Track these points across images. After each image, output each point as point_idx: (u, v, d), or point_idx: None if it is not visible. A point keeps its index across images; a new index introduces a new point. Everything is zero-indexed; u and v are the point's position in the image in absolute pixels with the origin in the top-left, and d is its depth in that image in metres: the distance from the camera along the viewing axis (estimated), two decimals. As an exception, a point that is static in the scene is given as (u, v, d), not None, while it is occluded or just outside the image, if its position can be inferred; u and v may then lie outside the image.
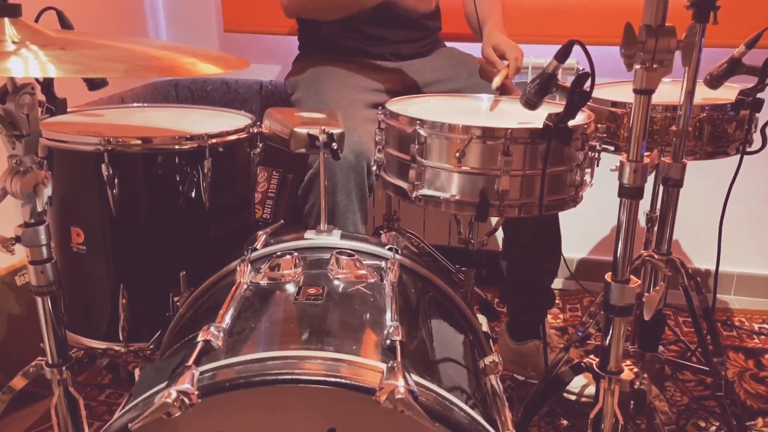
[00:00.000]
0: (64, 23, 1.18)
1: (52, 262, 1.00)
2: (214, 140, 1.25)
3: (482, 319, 1.17)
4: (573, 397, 1.69)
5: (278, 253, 1.06)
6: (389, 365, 0.77)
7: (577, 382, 1.64)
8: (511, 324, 1.85)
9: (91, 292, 1.31)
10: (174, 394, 0.74)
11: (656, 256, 1.45)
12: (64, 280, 1.06)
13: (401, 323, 0.88)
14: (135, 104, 1.77)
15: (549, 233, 1.73)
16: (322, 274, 1.03)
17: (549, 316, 2.15)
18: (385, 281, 1.02)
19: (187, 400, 0.74)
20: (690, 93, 1.31)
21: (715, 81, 1.39)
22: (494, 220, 1.74)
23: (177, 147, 1.23)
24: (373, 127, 1.31)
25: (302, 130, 1.13)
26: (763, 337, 2.12)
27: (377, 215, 1.99)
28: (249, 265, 1.04)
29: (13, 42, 0.84)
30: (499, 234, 1.84)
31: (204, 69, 0.93)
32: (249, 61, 1.03)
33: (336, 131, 1.12)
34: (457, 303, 1.14)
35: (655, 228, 1.47)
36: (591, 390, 1.62)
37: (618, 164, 0.94)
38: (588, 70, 1.02)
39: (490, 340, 1.13)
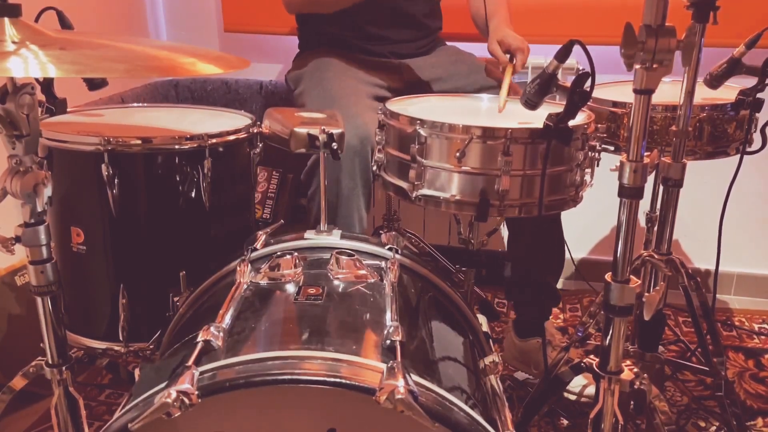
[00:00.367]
0: (64, 23, 1.18)
1: (52, 262, 1.00)
2: (214, 140, 1.25)
3: (482, 319, 1.17)
4: (573, 397, 1.69)
5: (278, 253, 1.06)
6: (389, 365, 0.77)
7: (577, 382, 1.64)
8: (516, 321, 1.85)
9: (91, 292, 1.31)
10: (174, 394, 0.74)
11: (656, 256, 1.45)
12: (64, 280, 1.06)
13: (401, 323, 0.88)
14: (135, 104, 1.77)
15: (551, 232, 1.73)
16: (322, 274, 1.03)
17: (551, 315, 2.15)
18: (385, 281, 1.02)
19: (187, 400, 0.74)
20: (690, 93, 1.31)
21: (715, 81, 1.39)
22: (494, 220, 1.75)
23: (177, 147, 1.23)
24: (376, 115, 1.30)
25: (302, 130, 1.13)
26: (763, 337, 2.12)
27: (377, 215, 1.99)
28: (249, 265, 1.04)
29: (13, 42, 0.84)
30: (500, 234, 1.84)
31: (204, 69, 0.93)
32: (249, 61, 1.03)
33: (336, 131, 1.12)
34: (457, 303, 1.14)
35: (655, 228, 1.47)
36: (591, 390, 1.62)
37: (618, 164, 0.94)
38: (588, 69, 1.02)
39: (490, 340, 1.13)
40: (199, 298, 1.13)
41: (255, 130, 1.34)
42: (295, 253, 1.05)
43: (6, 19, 0.86)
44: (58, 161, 1.23)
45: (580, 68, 1.97)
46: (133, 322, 1.27)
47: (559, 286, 2.38)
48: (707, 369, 1.47)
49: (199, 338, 0.84)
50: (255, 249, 1.10)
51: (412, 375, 0.78)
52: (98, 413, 1.68)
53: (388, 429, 0.80)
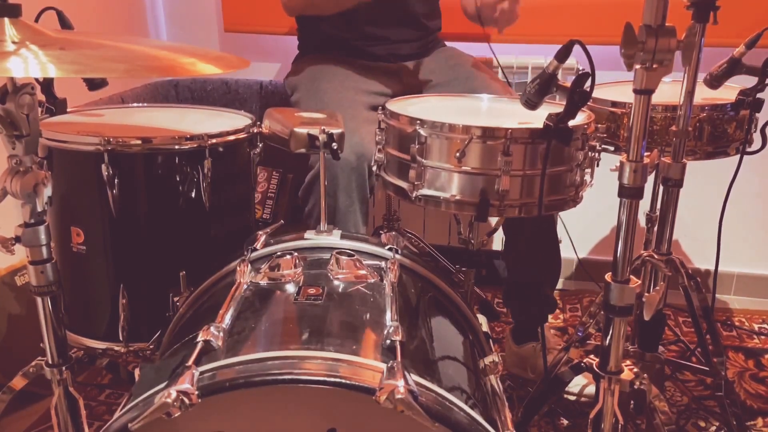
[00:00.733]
0: (64, 23, 1.18)
1: (52, 262, 1.00)
2: (214, 140, 1.25)
3: (482, 319, 1.17)
4: (573, 397, 1.69)
5: (278, 253, 1.06)
6: (389, 365, 0.77)
7: (577, 382, 1.64)
8: (514, 328, 1.86)
9: (91, 292, 1.31)
10: (174, 394, 0.74)
11: (656, 256, 1.45)
12: (64, 280, 1.06)
13: (401, 323, 0.88)
14: (135, 104, 1.77)
15: (545, 238, 1.72)
16: (322, 274, 1.03)
17: (549, 317, 2.15)
18: (385, 281, 1.02)
19: (187, 400, 0.74)
20: (690, 93, 1.31)
21: (715, 81, 1.39)
22: (494, 219, 1.75)
23: (177, 147, 1.23)
24: (374, 128, 1.31)
25: (302, 130, 1.13)
26: (763, 337, 2.12)
27: (377, 215, 1.99)
28: (249, 265, 1.04)
29: (13, 42, 0.84)
30: (500, 234, 1.84)
31: (204, 69, 0.93)
32: (249, 61, 1.03)
33: (336, 131, 1.12)
34: (457, 303, 1.14)
35: (655, 228, 1.47)
36: (591, 390, 1.62)
37: (618, 164, 0.94)
38: (588, 69, 1.02)
39: (490, 340, 1.13)
40: (199, 298, 1.13)
41: (255, 130, 1.34)
42: (295, 253, 1.05)
43: (6, 19, 0.86)
44: (58, 161, 1.23)
45: (580, 68, 1.97)
46: (133, 322, 1.27)
47: (559, 286, 2.40)
48: (707, 369, 1.47)
49: (199, 338, 0.84)
50: (255, 249, 1.10)
51: (412, 375, 0.78)
52: (98, 413, 1.68)
53: (388, 429, 0.80)
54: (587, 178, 1.27)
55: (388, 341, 0.85)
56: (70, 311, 1.27)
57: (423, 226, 2.12)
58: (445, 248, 2.00)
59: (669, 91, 1.43)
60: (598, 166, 1.27)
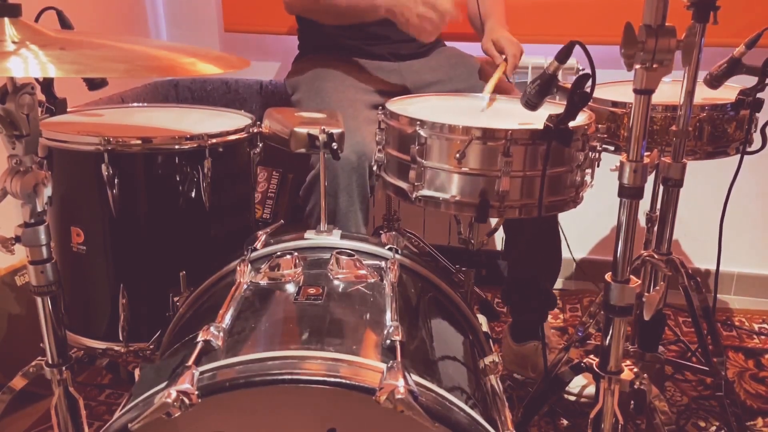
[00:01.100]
0: (64, 23, 1.18)
1: (52, 262, 1.00)
2: (214, 140, 1.25)
3: (482, 319, 1.17)
4: (573, 397, 1.69)
5: (278, 253, 1.06)
6: (389, 365, 0.77)
7: (577, 382, 1.64)
8: (513, 325, 1.85)
9: (91, 292, 1.31)
10: (174, 394, 0.74)
11: (656, 256, 1.45)
12: (64, 280, 1.06)
13: (401, 323, 0.88)
14: (135, 104, 1.77)
15: (548, 236, 1.73)
16: (322, 274, 1.03)
17: (549, 317, 2.15)
18: (385, 281, 1.02)
19: (187, 400, 0.74)
20: (690, 93, 1.31)
21: (715, 81, 1.39)
22: (494, 220, 1.75)
23: (177, 147, 1.23)
24: (375, 128, 1.31)
25: (302, 130, 1.13)
26: (763, 337, 2.12)
27: (377, 215, 1.99)
28: (249, 265, 1.04)
29: (13, 42, 0.84)
30: (499, 234, 1.84)
31: (204, 69, 0.93)
32: (249, 60, 1.03)
33: (336, 131, 1.12)
34: (457, 303, 1.14)
35: (655, 228, 1.47)
36: (591, 390, 1.62)
37: (618, 164, 0.94)
38: (588, 70, 1.02)
39: (490, 340, 1.13)
40: (199, 298, 1.13)
41: (255, 130, 1.34)
42: (295, 253, 1.05)
43: (6, 19, 0.86)
44: (58, 161, 1.23)
45: (581, 68, 1.97)
46: (133, 322, 1.27)
47: (559, 286, 2.40)
48: (707, 369, 1.47)
49: (199, 338, 0.84)
50: (255, 249, 1.10)
51: (412, 375, 0.78)
52: (98, 413, 1.68)
53: (388, 429, 0.80)
54: (587, 178, 1.27)
55: (388, 341, 0.85)
56: (70, 311, 1.27)
57: (423, 226, 2.12)
58: (445, 248, 2.00)
59: (669, 91, 1.43)
60: (598, 166, 1.27)
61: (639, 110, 0.91)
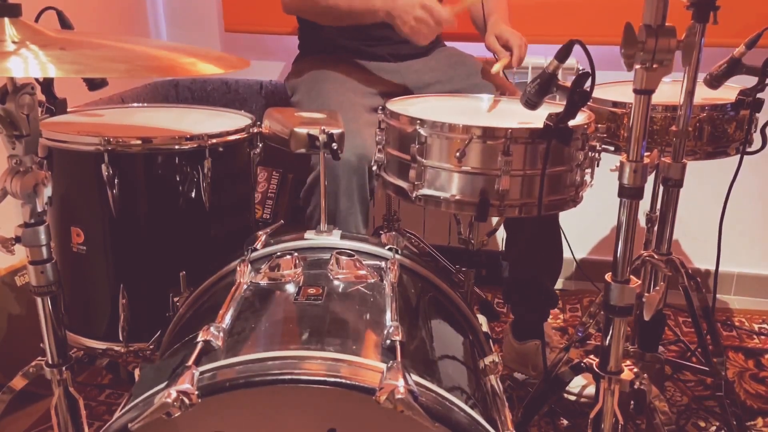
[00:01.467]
0: (64, 23, 1.18)
1: (52, 262, 1.00)
2: (214, 140, 1.25)
3: (482, 319, 1.17)
4: (573, 397, 1.69)
5: (278, 254, 1.06)
6: (389, 365, 0.77)
7: (577, 382, 1.64)
8: (514, 323, 1.86)
9: (91, 292, 1.31)
10: (174, 394, 0.74)
11: (656, 256, 1.45)
12: (64, 280, 1.06)
13: (401, 323, 0.88)
14: (135, 104, 1.77)
15: (549, 234, 1.73)
16: (322, 274, 1.03)
17: (550, 317, 2.15)
18: (385, 281, 1.02)
19: (187, 400, 0.74)
20: (690, 93, 1.31)
21: (715, 81, 1.39)
22: (494, 219, 1.75)
23: (177, 147, 1.23)
24: (374, 131, 1.31)
25: (302, 130, 1.13)
26: (763, 337, 2.12)
27: (377, 215, 1.99)
28: (249, 265, 1.04)
29: (13, 42, 0.84)
30: (500, 234, 1.84)
31: (204, 69, 0.93)
32: (249, 61, 1.03)
33: (336, 131, 1.12)
34: (457, 303, 1.14)
35: (655, 228, 1.47)
36: (591, 390, 1.62)
37: (618, 164, 0.94)
38: (588, 69, 1.02)
39: (490, 340, 1.13)
40: (199, 298, 1.13)
41: (255, 130, 1.34)
42: (295, 254, 1.05)
43: (6, 19, 0.86)
44: (58, 161, 1.23)
45: (580, 68, 1.97)
46: (133, 322, 1.27)
47: (559, 286, 2.40)
48: (707, 369, 1.47)
49: (199, 338, 0.84)
50: (255, 249, 1.11)
51: (412, 375, 0.78)
52: (98, 413, 1.68)
53: (388, 429, 0.80)
54: (587, 178, 1.27)
55: (388, 341, 0.85)
56: (70, 311, 1.27)
57: (423, 226, 2.12)
58: (445, 248, 2.00)
59: (669, 91, 1.43)
60: (598, 166, 1.27)
61: (639, 110, 0.91)
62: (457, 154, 1.14)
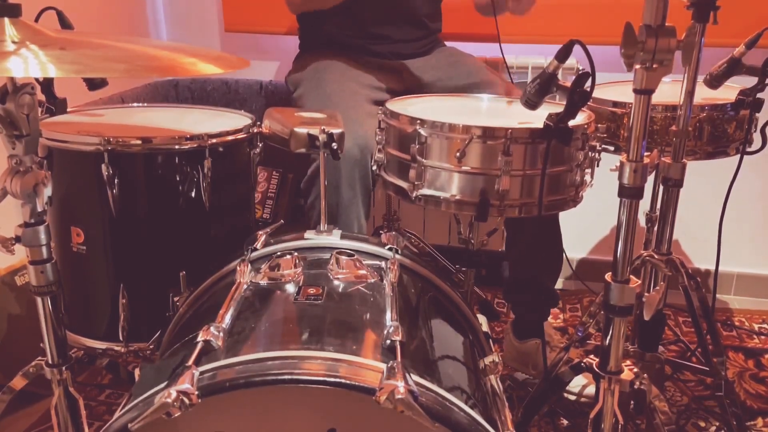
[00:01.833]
0: (64, 23, 1.18)
1: (52, 262, 1.00)
2: (214, 140, 1.25)
3: (482, 319, 1.17)
4: (573, 397, 1.69)
5: (278, 253, 1.06)
6: (389, 365, 0.77)
7: (577, 382, 1.64)
8: (515, 322, 1.85)
9: (91, 292, 1.31)
10: (174, 394, 0.74)
11: (656, 256, 1.45)
12: (64, 280, 1.06)
13: (401, 323, 0.88)
14: (135, 104, 1.77)
15: (550, 233, 1.73)
16: (322, 274, 1.03)
17: (550, 316, 2.15)
18: (385, 281, 1.02)
19: (187, 400, 0.74)
20: (690, 93, 1.31)
21: (715, 81, 1.39)
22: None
23: (177, 147, 1.23)
24: (376, 122, 1.31)
25: (302, 130, 1.13)
26: (763, 337, 2.12)
27: (377, 215, 1.99)
28: (249, 265, 1.04)
29: (13, 42, 0.84)
30: (500, 234, 1.84)
31: (204, 69, 0.93)
32: (249, 61, 1.03)
33: (336, 131, 1.12)
34: (457, 303, 1.14)
35: (655, 228, 1.47)
36: (591, 390, 1.62)
37: (618, 164, 0.94)
38: (588, 69, 1.02)
39: (490, 340, 1.13)
40: (199, 298, 1.13)
41: (255, 130, 1.34)
42: (295, 253, 1.05)
43: (6, 19, 0.86)
44: (58, 161, 1.23)
45: (581, 68, 1.97)
46: (133, 322, 1.27)
47: (559, 286, 2.40)
48: (707, 369, 1.47)
49: (199, 338, 0.84)
50: (255, 249, 1.10)
51: (412, 375, 0.78)
52: (98, 413, 1.68)
53: (388, 429, 0.80)
54: (587, 178, 1.27)
55: (388, 341, 0.85)
56: (70, 311, 1.27)
57: (423, 226, 2.12)
58: (445, 248, 2.00)
59: (669, 91, 1.43)
60: (598, 166, 1.27)
61: (639, 110, 0.91)
62: (457, 154, 1.14)
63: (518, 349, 1.83)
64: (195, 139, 1.23)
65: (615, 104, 1.48)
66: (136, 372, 0.97)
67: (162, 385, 0.78)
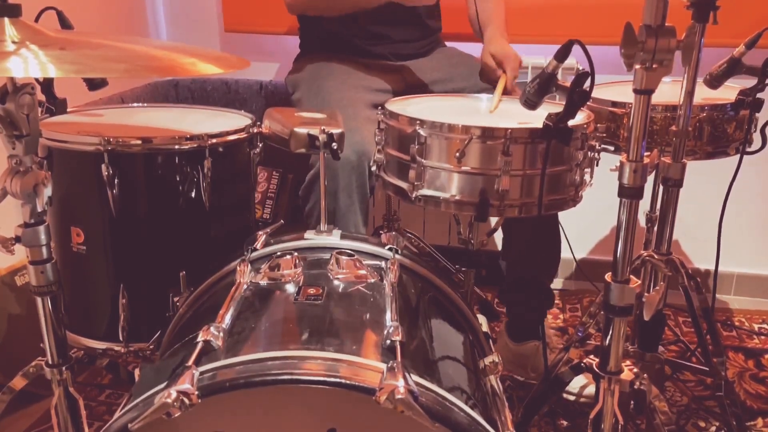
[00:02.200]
0: (64, 23, 1.18)
1: (52, 262, 1.00)
2: (214, 140, 1.25)
3: (482, 319, 1.17)
4: (573, 397, 1.69)
5: (278, 253, 1.06)
6: (389, 365, 0.77)
7: (577, 382, 1.64)
8: (510, 325, 1.85)
9: (91, 292, 1.31)
10: (174, 394, 0.74)
11: (656, 256, 1.45)
12: (64, 280, 1.06)
13: (401, 323, 0.88)
14: (135, 104, 1.77)
15: (548, 233, 1.73)
16: (322, 274, 1.03)
17: (549, 317, 2.15)
18: (385, 281, 1.02)
19: (187, 400, 0.74)
20: (690, 93, 1.31)
21: (715, 81, 1.39)
22: (494, 219, 1.74)
23: (177, 147, 1.23)
24: (375, 128, 1.31)
25: (302, 130, 1.13)
26: (763, 337, 2.12)
27: (377, 215, 1.99)
28: (249, 265, 1.04)
29: (13, 42, 0.84)
30: (499, 234, 1.84)
31: (204, 69, 0.93)
32: (249, 61, 1.03)
33: (336, 131, 1.12)
34: (457, 303, 1.14)
35: (655, 228, 1.47)
36: (591, 390, 1.61)
37: (618, 164, 0.94)
38: (588, 69, 1.02)
39: (490, 340, 1.13)
40: (199, 298, 1.13)
41: (255, 130, 1.34)
42: (295, 254, 1.05)
43: (6, 19, 0.86)
44: (58, 161, 1.23)
45: (580, 68, 1.97)
46: (133, 322, 1.27)
47: (559, 286, 2.40)
48: (707, 369, 1.47)
49: (199, 338, 0.84)
50: (255, 249, 1.10)
51: (412, 375, 0.78)
52: (98, 413, 1.68)
53: (388, 429, 0.80)
54: (587, 177, 1.27)
55: (388, 341, 0.85)
56: (70, 311, 1.27)
57: (423, 226, 2.12)
58: (445, 248, 1.99)
59: (669, 91, 1.43)
60: (597, 165, 1.27)
61: (639, 110, 0.91)
62: (457, 154, 1.14)
63: (514, 352, 1.82)
64: (195, 139, 1.23)
65: (614, 104, 1.48)
66: (136, 372, 0.97)
67: (162, 386, 0.78)
